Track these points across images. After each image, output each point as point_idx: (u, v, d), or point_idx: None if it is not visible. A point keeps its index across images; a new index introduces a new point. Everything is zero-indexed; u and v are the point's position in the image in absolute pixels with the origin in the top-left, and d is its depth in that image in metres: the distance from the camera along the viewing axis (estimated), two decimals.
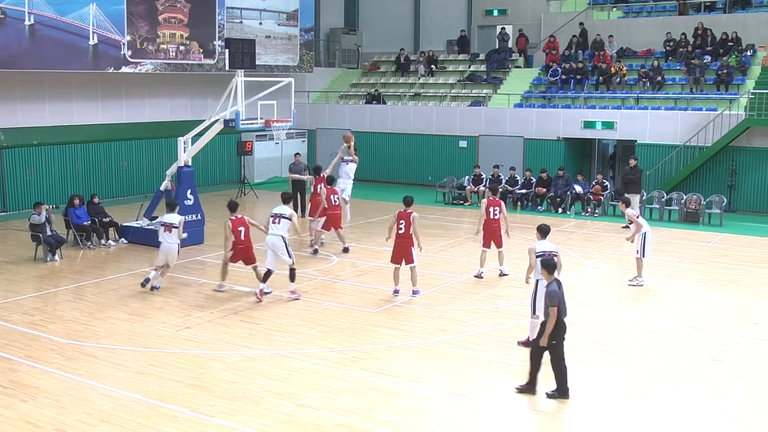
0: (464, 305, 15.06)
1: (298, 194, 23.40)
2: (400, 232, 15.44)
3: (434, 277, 17.05)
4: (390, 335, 13.28)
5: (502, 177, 27.27)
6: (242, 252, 15.63)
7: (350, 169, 21.52)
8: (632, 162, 23.99)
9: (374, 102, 33.91)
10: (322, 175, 20.05)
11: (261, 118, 20.10)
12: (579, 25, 33.12)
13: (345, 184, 21.23)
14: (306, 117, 33.97)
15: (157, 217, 20.86)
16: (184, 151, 20.32)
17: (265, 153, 32.31)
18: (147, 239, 20.22)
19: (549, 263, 10.88)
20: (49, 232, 18.64)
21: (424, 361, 12.13)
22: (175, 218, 15.97)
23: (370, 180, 31.50)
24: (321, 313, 14.50)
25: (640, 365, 11.98)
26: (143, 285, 15.91)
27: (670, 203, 25.02)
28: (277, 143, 31.95)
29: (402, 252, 15.49)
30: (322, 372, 11.51)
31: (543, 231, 12.92)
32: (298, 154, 24.84)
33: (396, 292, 15.56)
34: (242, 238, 15.48)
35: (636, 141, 27.66)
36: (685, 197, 24.68)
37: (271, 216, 15.43)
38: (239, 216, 15.58)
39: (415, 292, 15.59)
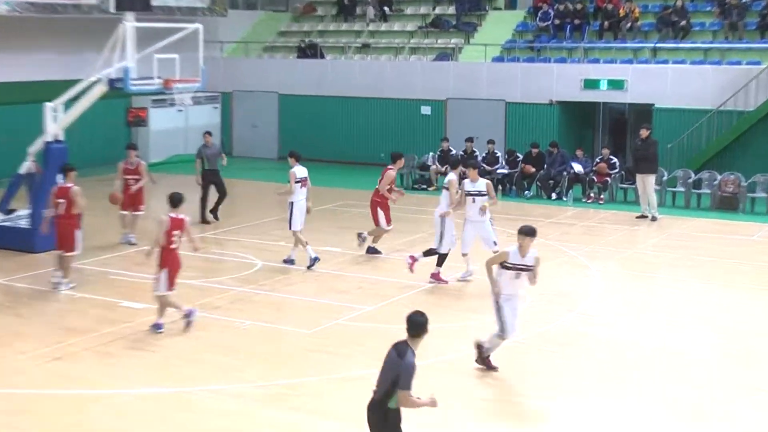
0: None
1: (213, 188, 22.85)
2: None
3: (388, 286, 17.07)
4: (330, 363, 13.18)
5: (477, 153, 27.22)
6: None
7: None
8: (643, 133, 23.68)
9: (309, 55, 33.78)
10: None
11: (158, 78, 20.02)
12: None
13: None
14: (219, 75, 33.66)
15: (14, 210, 20.52)
16: (54, 122, 20.03)
17: (165, 124, 32.03)
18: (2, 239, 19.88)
19: None
20: None
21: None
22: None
23: (303, 159, 31.22)
24: (239, 336, 14.38)
25: (660, 398, 12.05)
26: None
27: (700, 185, 25.28)
28: (180, 111, 31.58)
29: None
30: (242, 413, 11.45)
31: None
32: (208, 133, 24.28)
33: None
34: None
35: (653, 105, 27.90)
36: (719, 178, 24.92)
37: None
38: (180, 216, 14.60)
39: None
